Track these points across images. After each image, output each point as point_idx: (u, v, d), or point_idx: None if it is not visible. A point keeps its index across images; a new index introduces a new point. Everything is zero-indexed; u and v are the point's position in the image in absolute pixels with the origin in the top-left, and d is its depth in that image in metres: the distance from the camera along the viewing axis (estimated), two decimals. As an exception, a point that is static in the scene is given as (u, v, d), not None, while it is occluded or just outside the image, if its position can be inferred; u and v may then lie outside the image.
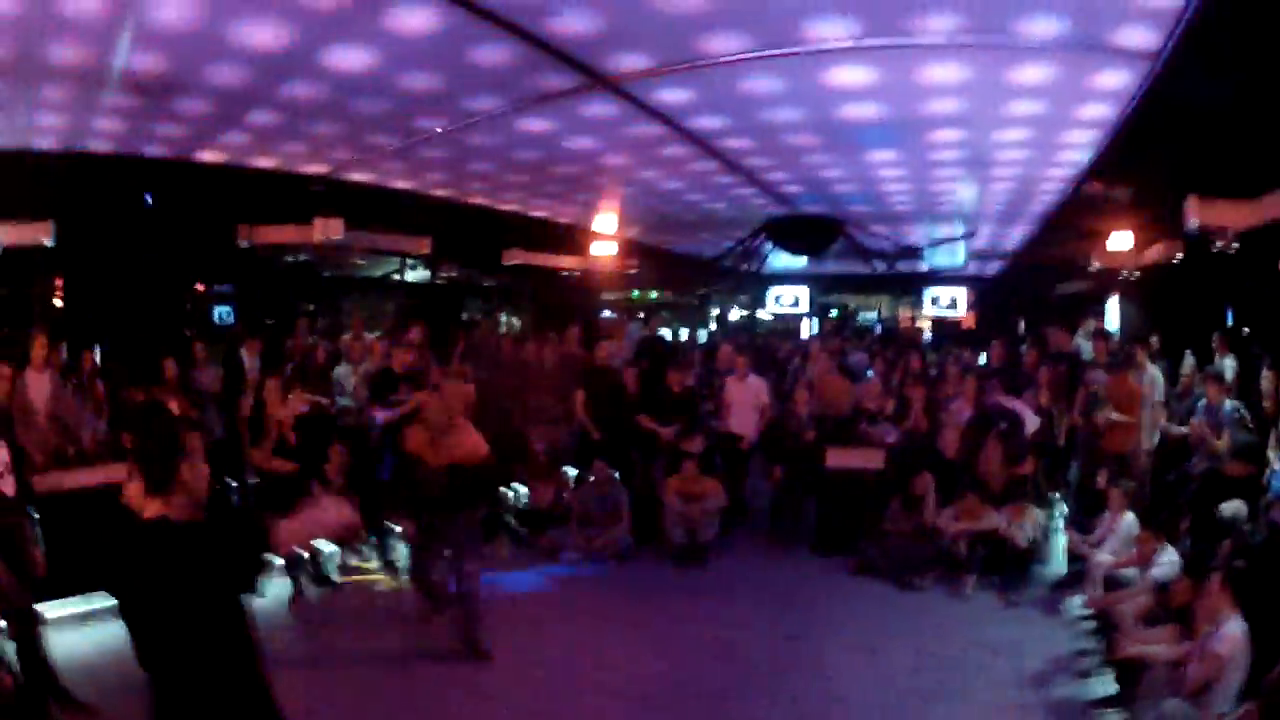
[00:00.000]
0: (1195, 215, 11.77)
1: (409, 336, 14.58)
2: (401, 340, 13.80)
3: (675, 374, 14.79)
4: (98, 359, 13.57)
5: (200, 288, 21.24)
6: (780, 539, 14.32)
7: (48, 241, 12.98)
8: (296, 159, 13.73)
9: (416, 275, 24.53)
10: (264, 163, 13.89)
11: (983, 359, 18.11)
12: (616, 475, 13.94)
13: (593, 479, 13.86)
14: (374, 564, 12.59)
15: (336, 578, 11.90)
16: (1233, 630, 7.26)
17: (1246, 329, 16.33)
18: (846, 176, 14.12)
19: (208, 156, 13.43)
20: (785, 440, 14.56)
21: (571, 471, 14.87)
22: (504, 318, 27.63)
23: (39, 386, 11.51)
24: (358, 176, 14.63)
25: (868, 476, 13.53)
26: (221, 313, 21.51)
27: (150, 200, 14.07)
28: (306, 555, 11.38)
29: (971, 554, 12.13)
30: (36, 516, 9.29)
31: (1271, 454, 11.23)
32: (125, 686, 4.28)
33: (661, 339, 21.72)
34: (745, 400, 14.85)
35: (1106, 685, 8.76)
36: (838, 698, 9.05)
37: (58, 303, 16.57)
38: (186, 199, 14.43)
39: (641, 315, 26.54)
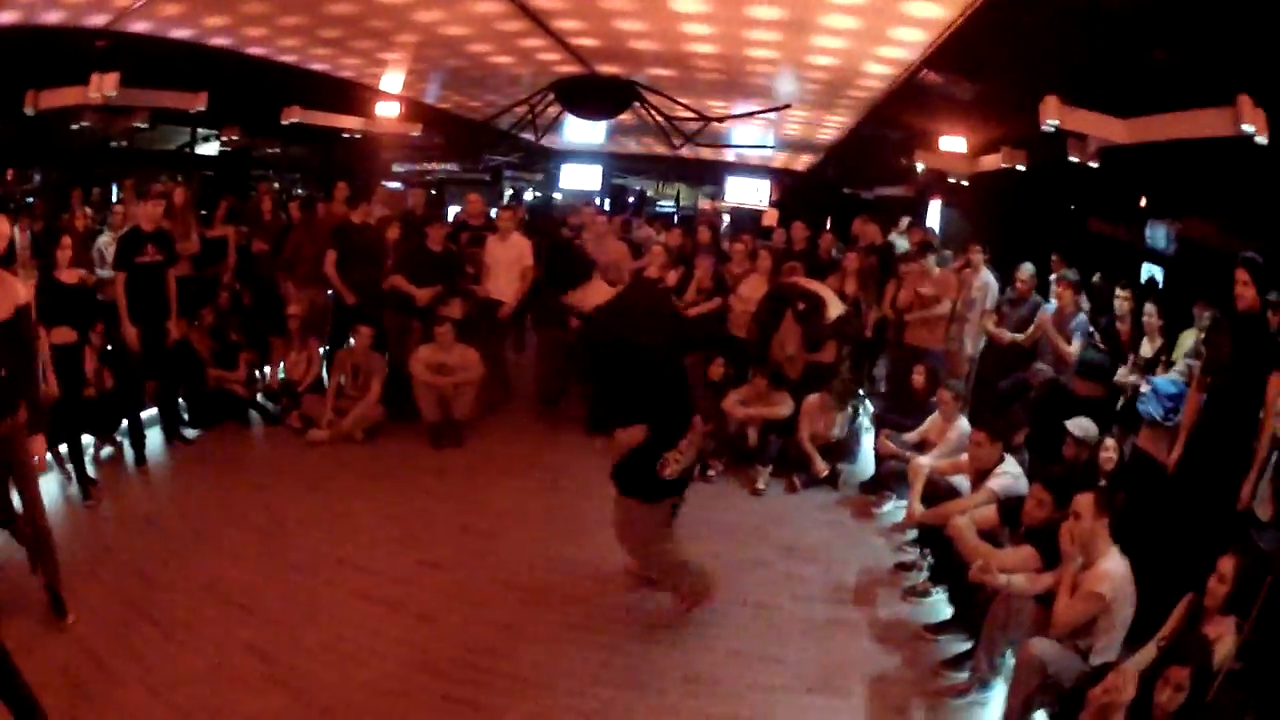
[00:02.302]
0: (1054, 116, 10.22)
1: (165, 195, 12.46)
2: (149, 196, 11.73)
3: (434, 230, 13.00)
4: None
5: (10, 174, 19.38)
6: (548, 417, 13.06)
7: None
8: (80, 10, 11.90)
9: (209, 149, 22.80)
10: (51, 18, 12.03)
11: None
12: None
13: (349, 346, 12.55)
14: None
15: (94, 473, 10.29)
16: (1114, 567, 6.05)
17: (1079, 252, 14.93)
18: (646, 30, 12.29)
19: (4, 18, 11.68)
20: (551, 308, 12.72)
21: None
22: (298, 191, 25.39)
23: None
24: (138, 27, 12.79)
25: None
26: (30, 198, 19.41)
27: None
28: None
29: (763, 444, 10.96)
30: None
31: (1133, 377, 9.99)
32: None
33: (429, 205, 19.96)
34: (507, 261, 13.14)
35: (939, 607, 7.73)
36: (616, 606, 7.81)
37: None
38: None
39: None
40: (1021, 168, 13.52)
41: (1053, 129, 10.02)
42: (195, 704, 6.23)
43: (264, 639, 7.08)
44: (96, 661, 6.70)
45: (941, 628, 7.33)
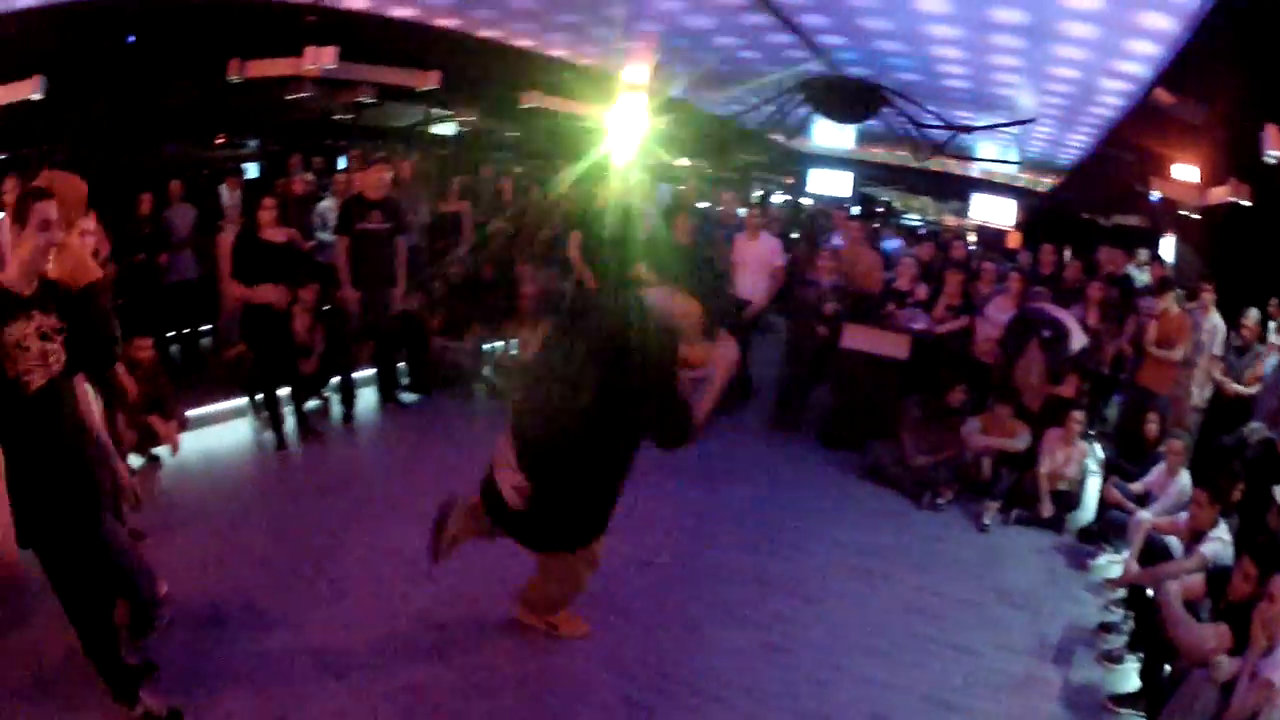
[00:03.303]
0: (1277, 147, 9.79)
1: (389, 163, 12.71)
2: (374, 164, 11.93)
3: (680, 222, 13.03)
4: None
5: (222, 139, 20.12)
6: (785, 425, 12.94)
7: (36, 95, 12.13)
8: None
9: (446, 128, 23.46)
10: None
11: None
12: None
13: None
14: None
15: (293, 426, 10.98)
16: (1290, 653, 5.66)
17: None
18: (893, 31, 12.21)
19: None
20: (801, 312, 12.98)
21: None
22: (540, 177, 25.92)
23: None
24: (353, 4, 13.28)
25: (888, 366, 11.98)
26: (248, 169, 20.00)
27: (133, 40, 13.00)
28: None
29: (996, 477, 10.70)
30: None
31: None
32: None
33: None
34: (755, 260, 13.13)
35: (1129, 675, 7.34)
36: (819, 629, 7.64)
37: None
38: (175, 39, 13.31)
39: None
40: (1247, 202, 12.95)
41: (1275, 160, 9.66)
42: (352, 664, 6.37)
43: (442, 611, 7.16)
44: (254, 610, 7.00)
45: (1125, 700, 7.00)
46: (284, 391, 10.87)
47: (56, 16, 11.69)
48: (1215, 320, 12.05)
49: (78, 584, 5.10)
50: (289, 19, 13.07)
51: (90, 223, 6.80)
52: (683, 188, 22.95)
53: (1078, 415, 10.58)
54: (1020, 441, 10.72)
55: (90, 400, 5.39)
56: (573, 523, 6.17)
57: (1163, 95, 11.60)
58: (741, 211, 14.77)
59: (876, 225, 18.39)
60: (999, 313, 12.10)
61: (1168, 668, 6.60)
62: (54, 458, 4.99)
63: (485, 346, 13.63)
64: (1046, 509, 10.32)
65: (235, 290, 10.36)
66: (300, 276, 10.79)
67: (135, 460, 9.42)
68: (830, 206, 23.37)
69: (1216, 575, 7.17)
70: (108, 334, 5.28)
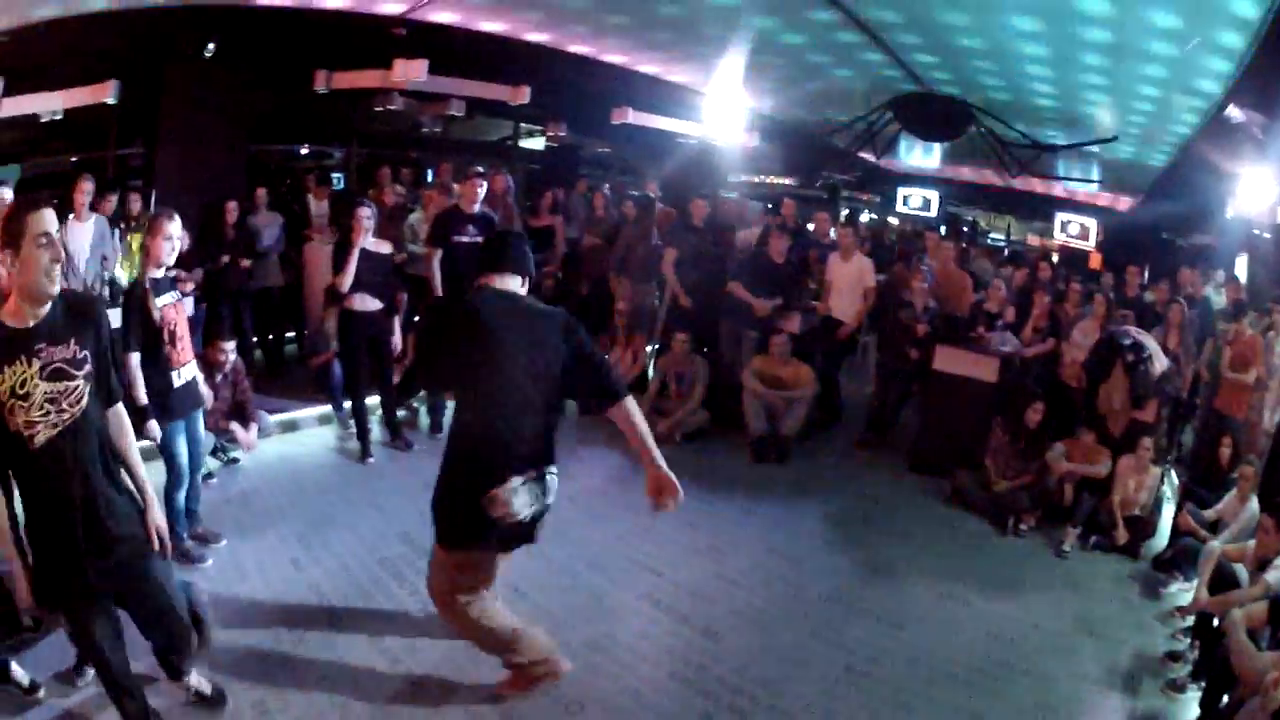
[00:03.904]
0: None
1: (489, 181, 12.42)
2: (469, 177, 11.74)
3: (776, 242, 13.05)
4: (151, 206, 12.78)
5: (305, 149, 20.58)
6: (874, 446, 12.96)
7: (110, 100, 12.36)
8: (367, -3, 12.65)
9: (535, 143, 23.55)
10: (335, 2, 12.74)
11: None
12: (701, 349, 12.94)
13: (671, 350, 12.67)
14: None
15: (379, 434, 11.21)
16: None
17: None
18: (983, 49, 12.24)
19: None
20: (893, 333, 12.96)
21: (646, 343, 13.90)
22: (632, 193, 25.93)
23: (81, 235, 11.07)
24: (441, 17, 13.34)
25: (978, 390, 11.90)
26: (335, 178, 20.06)
27: (212, 49, 12.89)
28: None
29: (1077, 503, 10.62)
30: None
31: None
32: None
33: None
34: (848, 280, 13.15)
35: (1191, 705, 7.26)
36: (901, 653, 7.63)
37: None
38: (256, 47, 13.37)
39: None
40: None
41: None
42: (432, 677, 6.44)
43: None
44: (332, 616, 7.12)
45: (1183, 730, 7.01)
46: (371, 400, 11.04)
47: (133, 21, 11.97)
48: (1285, 342, 11.97)
49: (98, 647, 4.88)
50: (377, 31, 13.22)
51: (176, 227, 7.01)
52: (769, 206, 23.06)
53: (1146, 442, 10.56)
54: (1102, 467, 10.70)
55: (129, 434, 5.02)
56: None
57: (1235, 113, 11.56)
58: (833, 232, 14.78)
59: (966, 246, 18.31)
60: (1084, 336, 12.09)
61: (1226, 698, 6.59)
62: (70, 515, 4.57)
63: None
64: (1121, 536, 10.27)
65: (339, 283, 10.32)
66: (393, 287, 10.91)
67: (213, 463, 9.74)
68: (920, 226, 23.35)
69: (1279, 603, 7.13)
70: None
